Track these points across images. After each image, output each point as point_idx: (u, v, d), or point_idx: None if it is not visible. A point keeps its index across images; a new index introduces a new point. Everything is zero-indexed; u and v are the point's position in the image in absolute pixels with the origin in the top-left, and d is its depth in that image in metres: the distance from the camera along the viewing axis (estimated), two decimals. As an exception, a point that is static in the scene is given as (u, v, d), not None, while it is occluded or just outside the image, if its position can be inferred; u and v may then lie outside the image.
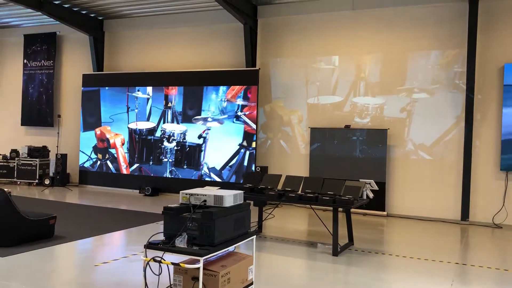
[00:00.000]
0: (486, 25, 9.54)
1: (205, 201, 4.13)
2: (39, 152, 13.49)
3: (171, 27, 12.79)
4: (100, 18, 13.63)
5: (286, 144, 11.27)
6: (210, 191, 4.26)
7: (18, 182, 13.54)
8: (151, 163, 12.29)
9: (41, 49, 14.46)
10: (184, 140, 11.78)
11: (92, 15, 13.36)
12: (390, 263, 6.13)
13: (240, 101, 11.11)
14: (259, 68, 11.32)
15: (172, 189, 12.18)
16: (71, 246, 6.43)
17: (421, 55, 10.02)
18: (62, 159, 13.12)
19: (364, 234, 8.05)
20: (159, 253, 3.83)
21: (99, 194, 12.04)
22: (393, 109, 10.22)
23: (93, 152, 13.18)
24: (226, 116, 11.26)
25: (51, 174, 13.60)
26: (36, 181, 13.23)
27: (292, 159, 11.21)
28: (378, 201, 10.01)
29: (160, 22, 12.92)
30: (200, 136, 11.47)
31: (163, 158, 12.14)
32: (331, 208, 6.90)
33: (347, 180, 7.14)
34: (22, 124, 14.66)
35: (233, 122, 11.22)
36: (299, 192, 7.09)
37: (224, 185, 11.40)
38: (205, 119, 11.45)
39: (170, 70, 12.41)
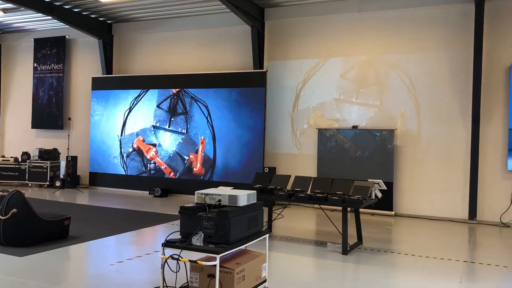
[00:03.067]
0: (492, 26, 9.62)
1: (220, 200, 4.25)
2: (49, 155, 13.68)
3: (179, 30, 12.95)
4: (109, 22, 13.82)
5: (293, 145, 11.38)
6: (225, 191, 4.38)
7: (30, 184, 13.73)
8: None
9: (51, 52, 14.67)
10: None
11: (101, 19, 13.54)
12: (399, 262, 6.23)
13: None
14: (267, 70, 11.44)
15: (181, 190, 12.33)
16: (86, 246, 6.58)
17: (427, 56, 10.11)
18: (72, 161, 13.31)
19: (373, 233, 8.14)
20: (175, 252, 3.95)
21: (109, 195, 12.20)
22: (401, 110, 10.31)
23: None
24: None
25: (61, 176, 13.79)
26: (47, 183, 13.42)
27: (300, 160, 11.31)
28: (386, 201, 10.10)
29: (168, 26, 13.08)
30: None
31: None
32: (340, 208, 7.01)
33: (355, 180, 7.24)
34: (32, 127, 14.87)
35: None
36: (308, 192, 7.20)
37: (236, 185, 11.54)
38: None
39: (178, 73, 12.57)
